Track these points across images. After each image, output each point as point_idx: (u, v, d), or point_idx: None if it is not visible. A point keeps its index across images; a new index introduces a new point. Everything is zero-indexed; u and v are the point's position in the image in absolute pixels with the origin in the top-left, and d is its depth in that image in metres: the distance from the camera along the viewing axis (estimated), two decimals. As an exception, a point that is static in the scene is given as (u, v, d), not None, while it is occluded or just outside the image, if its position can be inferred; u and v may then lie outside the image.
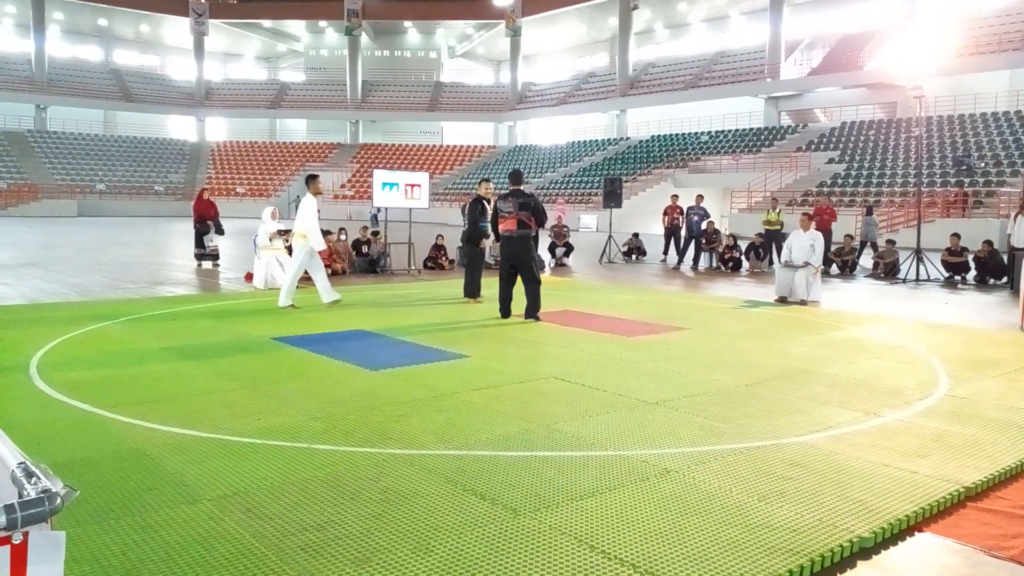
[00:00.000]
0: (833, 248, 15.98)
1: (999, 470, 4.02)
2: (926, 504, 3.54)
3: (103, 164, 48.57)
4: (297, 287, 10.13)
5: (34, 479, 1.30)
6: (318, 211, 10.16)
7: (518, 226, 9.13)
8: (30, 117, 50.59)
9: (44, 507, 1.24)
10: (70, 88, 52.00)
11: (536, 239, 9.76)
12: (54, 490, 1.27)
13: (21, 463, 1.35)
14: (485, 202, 10.58)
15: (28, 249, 19.07)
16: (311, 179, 10.13)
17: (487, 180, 10.95)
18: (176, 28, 57.07)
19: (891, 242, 16.05)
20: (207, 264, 15.50)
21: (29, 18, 51.02)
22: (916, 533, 3.35)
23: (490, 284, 10.61)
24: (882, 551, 3.19)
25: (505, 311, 9.23)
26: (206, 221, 15.70)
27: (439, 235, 16.57)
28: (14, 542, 1.25)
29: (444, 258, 16.05)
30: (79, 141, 50.51)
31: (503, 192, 9.45)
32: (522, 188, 9.35)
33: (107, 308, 9.45)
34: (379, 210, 14.98)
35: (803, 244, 11.39)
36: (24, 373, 5.90)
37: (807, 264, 11.09)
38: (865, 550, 3.17)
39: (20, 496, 1.27)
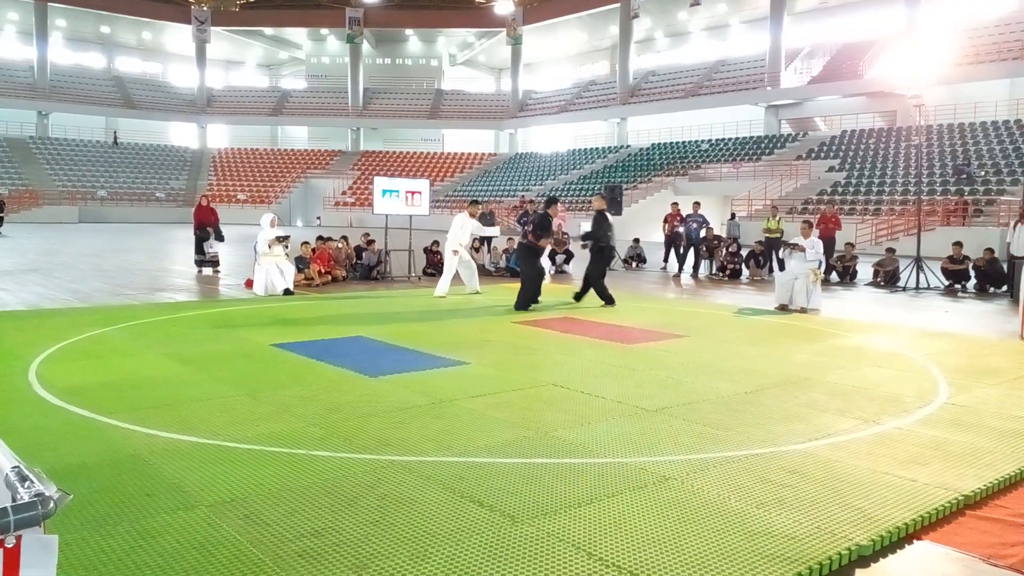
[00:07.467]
0: (835, 255, 16.00)
1: (998, 478, 4.01)
2: (925, 512, 3.53)
3: (105, 171, 48.61)
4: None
5: (28, 483, 1.30)
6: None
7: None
8: (32, 123, 50.69)
9: (37, 511, 1.24)
10: (72, 95, 52.11)
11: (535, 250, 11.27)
12: (47, 494, 1.27)
13: (15, 467, 1.36)
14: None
15: (29, 255, 19.08)
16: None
17: (555, 201, 12.01)
18: (178, 35, 57.26)
19: (891, 250, 16.05)
20: (207, 271, 15.51)
21: (32, 25, 51.17)
22: (915, 541, 3.35)
23: (494, 290, 10.54)
24: (880, 559, 3.19)
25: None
26: (206, 228, 15.72)
27: (434, 241, 16.55)
28: (7, 545, 1.25)
29: (441, 264, 16.02)
30: (81, 148, 50.58)
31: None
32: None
33: (107, 314, 9.45)
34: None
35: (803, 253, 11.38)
36: (23, 378, 5.90)
37: (805, 258, 11.07)
38: (863, 558, 3.17)
39: (13, 500, 1.27)
